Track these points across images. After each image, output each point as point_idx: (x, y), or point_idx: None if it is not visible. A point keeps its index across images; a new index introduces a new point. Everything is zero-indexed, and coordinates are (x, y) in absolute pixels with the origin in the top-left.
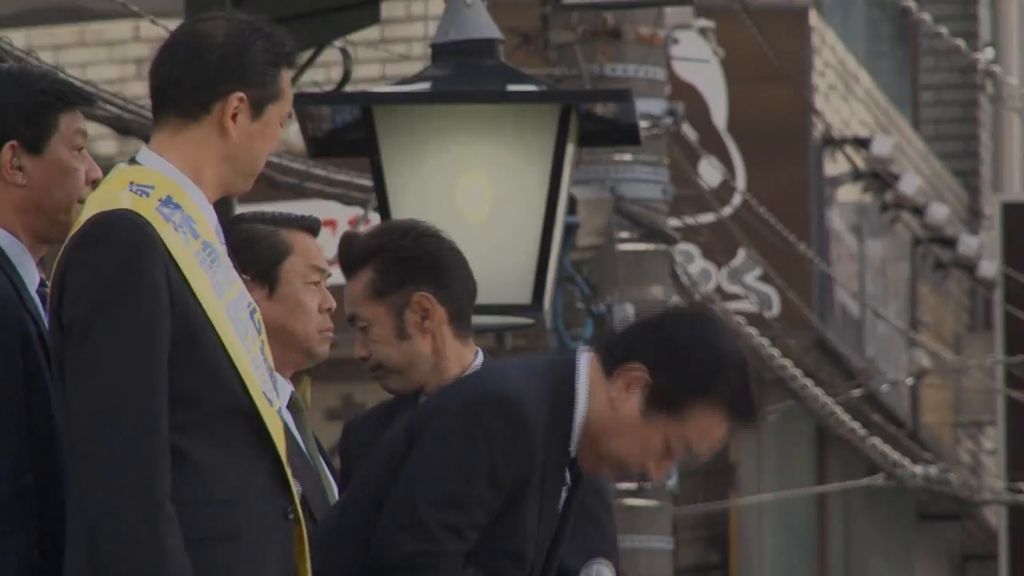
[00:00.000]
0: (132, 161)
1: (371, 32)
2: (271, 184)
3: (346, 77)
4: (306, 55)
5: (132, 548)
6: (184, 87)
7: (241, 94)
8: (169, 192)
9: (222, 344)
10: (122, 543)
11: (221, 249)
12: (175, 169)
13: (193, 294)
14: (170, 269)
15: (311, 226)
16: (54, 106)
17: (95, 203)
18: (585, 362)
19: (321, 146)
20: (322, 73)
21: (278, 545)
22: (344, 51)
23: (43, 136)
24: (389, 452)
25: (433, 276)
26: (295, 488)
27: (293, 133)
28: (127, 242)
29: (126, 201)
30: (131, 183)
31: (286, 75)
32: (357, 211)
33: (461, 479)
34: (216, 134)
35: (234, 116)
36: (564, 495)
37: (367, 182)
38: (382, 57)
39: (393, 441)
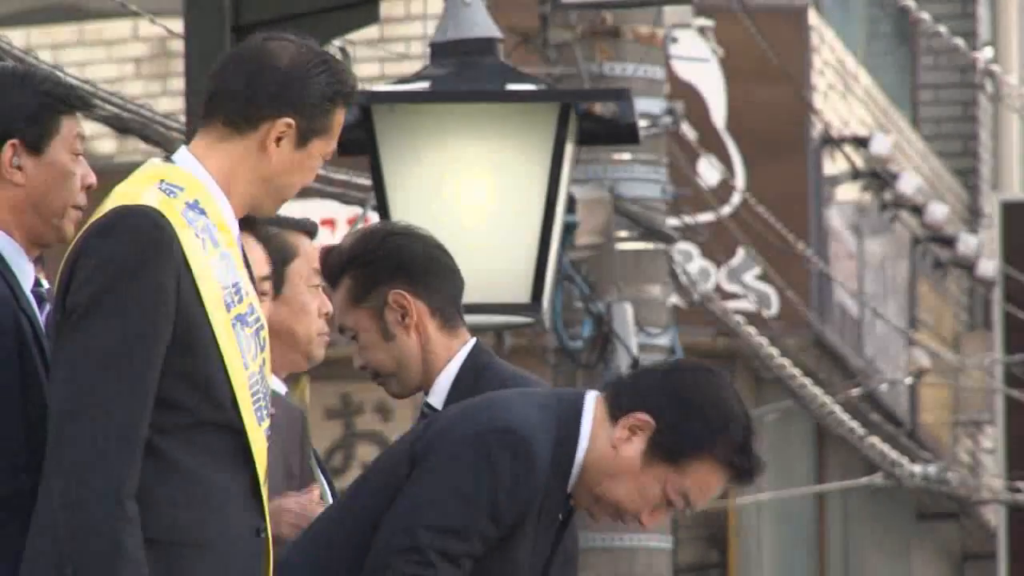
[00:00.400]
0: (167, 159)
1: (370, 31)
2: None
3: None
4: None
5: (89, 542)
6: (238, 99)
7: (290, 120)
8: (198, 196)
9: (221, 357)
10: (80, 536)
11: (239, 262)
12: (209, 176)
13: (201, 303)
14: (182, 273)
15: (311, 229)
16: (57, 108)
17: (120, 195)
18: (592, 401)
19: None
20: None
21: (246, 561)
22: (343, 50)
23: (45, 137)
24: (390, 470)
25: (404, 273)
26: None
27: None
28: (142, 238)
29: (152, 198)
30: (162, 180)
31: (340, 114)
32: (356, 210)
33: (463, 509)
34: (256, 152)
35: (278, 140)
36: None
37: (366, 181)
38: (381, 56)
39: (395, 460)
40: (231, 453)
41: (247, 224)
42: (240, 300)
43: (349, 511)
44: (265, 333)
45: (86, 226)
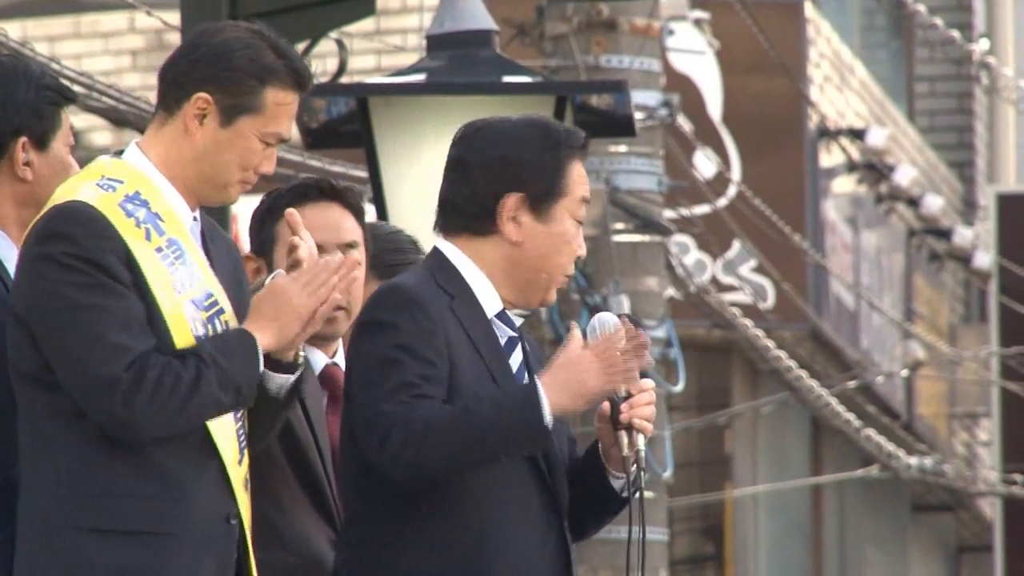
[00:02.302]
0: (118, 153)
1: (366, 23)
2: (265, 176)
3: (341, 68)
4: (301, 46)
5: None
6: (165, 82)
7: (207, 96)
8: (139, 188)
9: (172, 342)
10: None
11: (193, 248)
12: (152, 165)
13: (149, 290)
14: (128, 261)
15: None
16: (56, 102)
17: (59, 193)
18: (445, 246)
19: (316, 137)
20: (318, 65)
21: (217, 547)
22: (339, 42)
23: (50, 132)
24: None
25: None
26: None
27: None
28: (81, 233)
29: (85, 194)
30: (102, 176)
31: (279, 94)
32: None
33: (390, 362)
34: (181, 133)
35: (201, 118)
36: (519, 354)
37: (362, 173)
38: (377, 48)
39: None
40: (196, 443)
41: (332, 194)
42: (192, 285)
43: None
44: (227, 317)
45: (30, 228)
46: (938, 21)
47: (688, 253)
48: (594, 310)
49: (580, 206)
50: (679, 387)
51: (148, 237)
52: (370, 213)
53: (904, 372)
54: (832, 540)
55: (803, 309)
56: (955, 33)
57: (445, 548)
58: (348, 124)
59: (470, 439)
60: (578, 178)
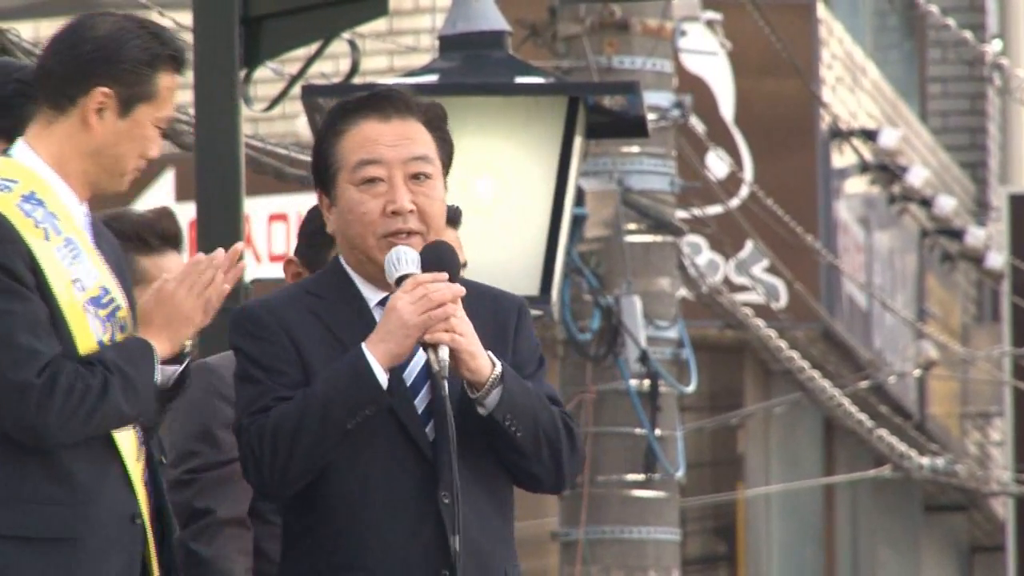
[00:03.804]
0: (5, 152)
1: (379, 24)
2: (279, 176)
3: (354, 69)
4: (314, 47)
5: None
6: (55, 78)
7: (106, 89)
8: (33, 187)
9: (74, 343)
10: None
11: (87, 246)
12: (43, 163)
13: (50, 292)
14: (31, 263)
15: None
16: (30, 95)
17: None
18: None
19: None
20: (330, 65)
21: (122, 549)
22: (352, 43)
23: (18, 125)
24: None
25: None
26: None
27: (301, 125)
28: None
29: None
30: None
31: (166, 78)
32: None
33: (245, 379)
34: (79, 129)
35: (100, 112)
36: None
37: None
38: (390, 49)
39: None
40: (99, 444)
41: None
42: (91, 283)
43: None
44: (123, 314)
45: None
46: (951, 22)
47: (700, 253)
48: (606, 311)
49: None
50: (691, 388)
51: (47, 237)
52: None
53: (916, 372)
54: (844, 540)
55: (815, 309)
56: (968, 34)
57: (314, 539)
58: None
59: (315, 426)
60: None
